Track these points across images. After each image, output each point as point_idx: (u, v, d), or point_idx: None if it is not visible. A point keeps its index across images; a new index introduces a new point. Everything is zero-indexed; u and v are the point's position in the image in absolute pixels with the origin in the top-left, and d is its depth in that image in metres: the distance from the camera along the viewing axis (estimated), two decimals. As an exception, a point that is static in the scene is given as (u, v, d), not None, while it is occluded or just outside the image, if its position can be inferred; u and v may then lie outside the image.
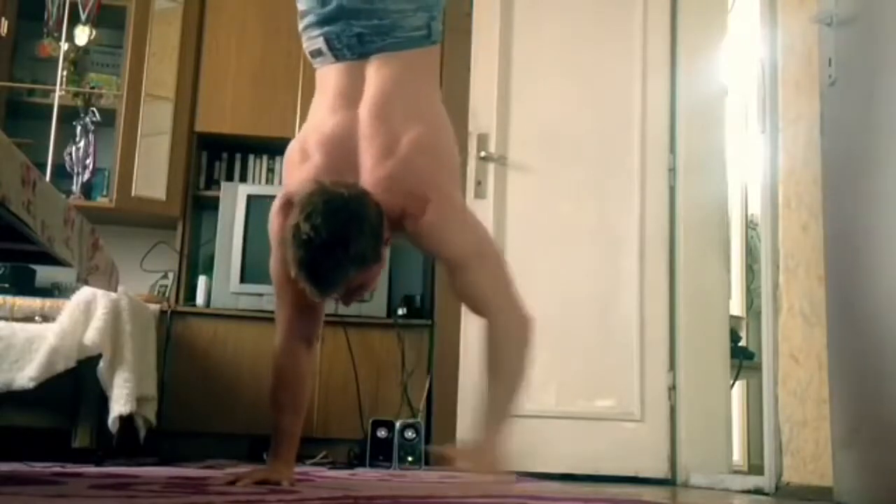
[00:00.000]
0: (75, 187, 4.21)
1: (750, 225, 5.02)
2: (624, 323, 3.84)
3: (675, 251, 3.87)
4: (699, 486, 3.50)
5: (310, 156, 2.27)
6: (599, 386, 3.79)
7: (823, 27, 2.71)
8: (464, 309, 3.51)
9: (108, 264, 2.32)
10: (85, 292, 3.26)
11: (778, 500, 2.82)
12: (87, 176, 4.24)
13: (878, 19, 2.56)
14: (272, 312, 2.50)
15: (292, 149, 2.37)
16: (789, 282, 2.99)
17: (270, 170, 4.49)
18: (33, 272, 3.96)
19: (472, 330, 3.79)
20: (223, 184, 4.31)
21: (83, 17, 4.23)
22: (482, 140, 3.97)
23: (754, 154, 3.98)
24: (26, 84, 4.45)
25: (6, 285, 3.73)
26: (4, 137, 1.58)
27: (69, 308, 3.26)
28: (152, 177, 4.27)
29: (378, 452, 3.73)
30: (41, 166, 3.90)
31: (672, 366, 3.79)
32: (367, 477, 3.00)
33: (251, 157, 4.50)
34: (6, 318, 3.35)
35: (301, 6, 2.39)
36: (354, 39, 2.28)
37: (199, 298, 4.19)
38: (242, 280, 4.13)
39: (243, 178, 4.45)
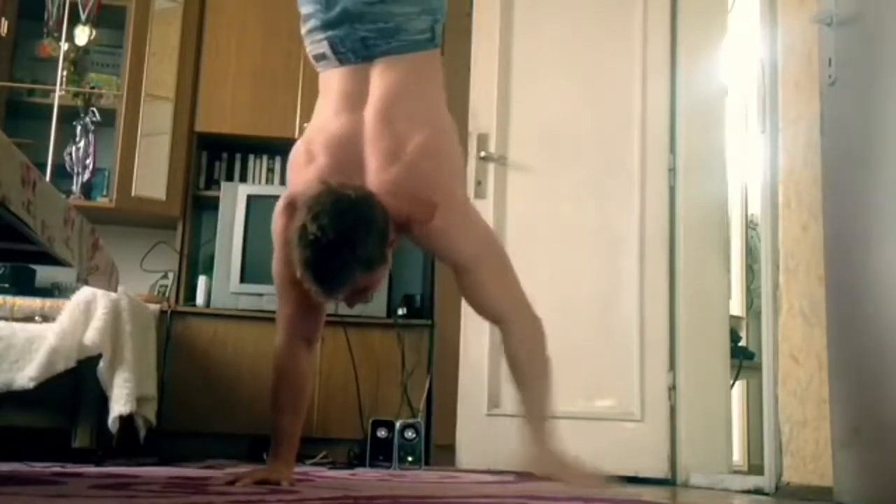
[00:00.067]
0: (75, 187, 4.21)
1: (750, 225, 5.02)
2: (624, 323, 3.83)
3: (675, 251, 3.87)
4: (699, 486, 3.50)
5: (315, 157, 2.27)
6: (599, 386, 3.78)
7: (823, 27, 2.71)
8: (464, 309, 3.53)
9: (108, 264, 2.32)
10: (85, 292, 3.26)
11: (778, 500, 2.82)
12: (87, 176, 4.24)
13: (878, 19, 2.56)
14: (272, 312, 2.50)
15: (297, 150, 2.36)
16: (789, 282, 2.99)
17: (270, 170, 4.49)
18: (33, 272, 3.96)
19: (472, 330, 3.80)
20: (223, 184, 4.32)
21: (83, 17, 4.24)
22: (482, 140, 3.97)
23: (754, 154, 3.97)
24: (26, 84, 4.45)
25: (6, 285, 3.73)
26: (4, 137, 1.58)
27: (69, 308, 3.26)
28: (152, 177, 4.27)
29: (378, 452, 3.73)
30: (41, 166, 3.90)
31: (672, 366, 3.79)
32: (367, 477, 3.00)
33: (251, 157, 4.50)
34: (6, 318, 3.36)
35: (304, 10, 2.37)
36: (359, 43, 2.28)
37: (199, 298, 4.19)
38: (242, 280, 4.13)
39: (243, 178, 4.45)
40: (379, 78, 2.28)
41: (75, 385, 3.24)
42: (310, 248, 2.04)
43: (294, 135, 4.26)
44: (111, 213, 4.23)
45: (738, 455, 4.57)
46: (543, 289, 3.56)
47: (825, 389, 2.65)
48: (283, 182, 4.44)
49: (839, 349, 2.58)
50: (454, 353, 3.85)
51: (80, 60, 4.36)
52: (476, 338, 3.73)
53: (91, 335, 3.18)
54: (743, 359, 4.23)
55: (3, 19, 4.22)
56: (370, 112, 2.25)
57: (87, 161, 4.23)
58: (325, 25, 2.30)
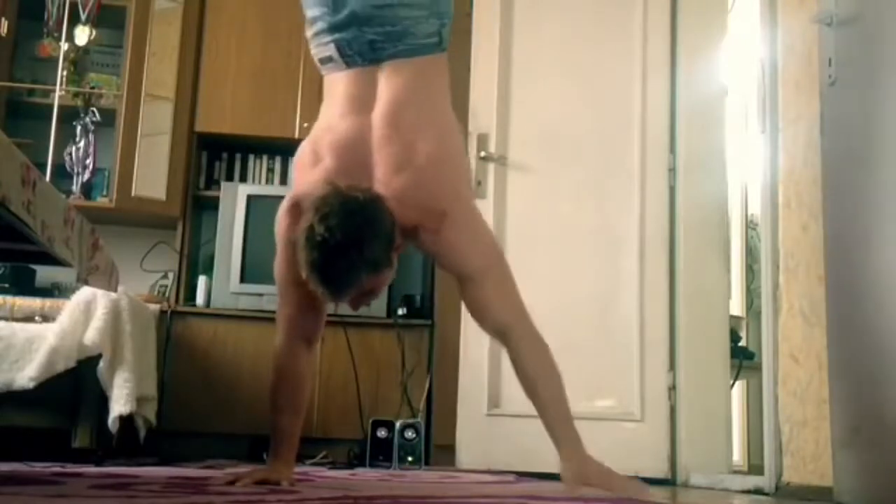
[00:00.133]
0: (75, 187, 4.21)
1: (750, 225, 5.02)
2: (624, 323, 3.84)
3: (675, 251, 3.87)
4: (699, 486, 3.50)
5: (322, 158, 2.27)
6: (599, 386, 3.78)
7: (823, 27, 2.71)
8: (464, 309, 3.52)
9: (108, 264, 2.32)
10: (85, 292, 3.26)
11: (778, 500, 2.82)
12: (87, 176, 4.24)
13: (878, 19, 2.56)
14: (272, 312, 2.50)
15: (303, 150, 2.35)
16: (789, 282, 2.99)
17: (270, 170, 4.49)
18: (33, 272, 3.96)
19: (471, 330, 3.78)
20: (223, 184, 4.32)
21: (83, 17, 4.24)
22: (482, 140, 3.97)
23: (754, 154, 3.98)
24: (26, 84, 4.45)
25: (6, 285, 3.73)
26: (4, 137, 1.58)
27: (69, 308, 3.26)
28: (152, 177, 4.27)
29: (378, 452, 3.73)
30: (41, 166, 3.90)
31: (672, 366, 3.79)
32: (367, 477, 3.00)
33: (251, 157, 4.50)
34: (6, 318, 3.36)
35: (310, 13, 2.34)
36: (366, 46, 2.27)
37: (199, 298, 4.19)
38: (242, 280, 4.13)
39: (243, 178, 4.45)
40: (386, 81, 2.26)
41: (75, 385, 3.24)
42: (317, 250, 2.03)
43: (294, 135, 4.26)
44: (111, 213, 4.23)
45: (738, 455, 4.57)
46: (543, 289, 3.59)
47: (825, 389, 2.65)
48: (283, 182, 4.44)
49: (839, 349, 2.58)
50: (454, 353, 3.85)
51: (80, 60, 4.36)
52: (476, 338, 3.72)
53: (91, 335, 3.18)
54: (743, 359, 4.23)
55: (3, 19, 4.22)
56: (378, 116, 2.24)
57: (87, 161, 4.23)
58: (333, 28, 2.28)
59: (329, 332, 3.87)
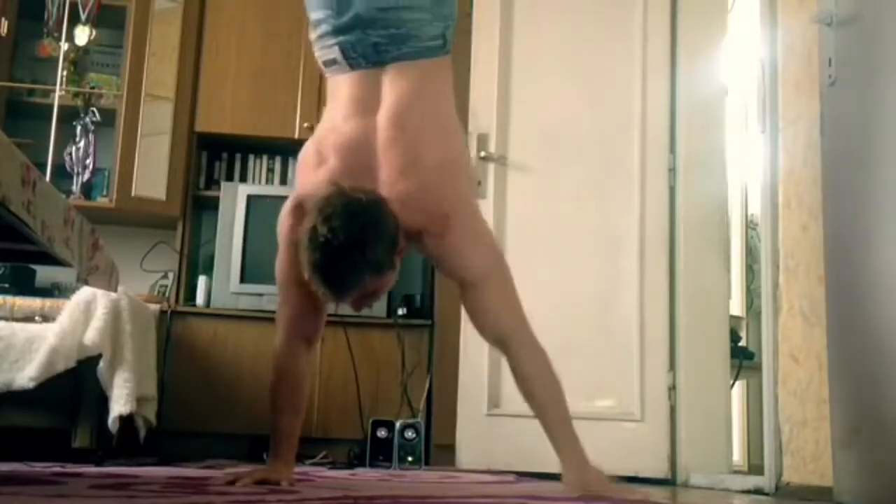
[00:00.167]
0: (75, 187, 4.21)
1: (750, 225, 5.02)
2: (624, 323, 3.84)
3: (675, 251, 3.87)
4: (699, 486, 3.50)
5: (326, 159, 2.26)
6: (599, 386, 3.78)
7: (823, 27, 2.71)
8: (464, 309, 3.52)
9: (108, 264, 2.32)
10: (85, 292, 3.26)
11: (778, 500, 2.82)
12: (87, 176, 4.24)
13: (878, 19, 2.56)
14: (272, 312, 2.50)
15: (307, 150, 2.35)
16: (789, 282, 2.99)
17: (270, 170, 4.49)
18: (33, 272, 3.96)
19: (472, 330, 3.76)
20: (223, 184, 4.32)
21: (83, 17, 4.24)
22: (482, 140, 3.97)
23: (754, 154, 3.98)
24: (26, 84, 4.45)
25: (6, 285, 3.73)
26: (4, 137, 1.58)
27: (69, 308, 3.26)
28: (152, 177, 4.27)
29: (378, 452, 3.73)
30: (41, 166, 3.90)
31: (672, 366, 3.79)
32: (367, 477, 3.00)
33: (251, 157, 4.50)
34: (6, 318, 3.36)
35: (315, 16, 2.34)
36: (370, 49, 2.26)
37: (199, 298, 4.19)
38: (242, 280, 4.13)
39: (243, 178, 4.45)
40: (390, 84, 2.26)
41: (75, 385, 3.24)
42: (320, 251, 2.03)
43: (294, 135, 4.26)
44: (111, 213, 4.23)
45: (738, 455, 4.57)
46: (543, 289, 3.59)
47: (825, 389, 2.65)
48: (283, 182, 4.44)
49: (839, 349, 2.58)
50: (454, 353, 3.85)
51: (80, 60, 4.36)
52: (476, 338, 3.68)
53: (91, 335, 3.18)
54: (743, 359, 4.23)
55: (3, 19, 4.21)
56: (382, 118, 2.24)
57: (87, 161, 4.23)
58: (337, 31, 2.28)
59: (329, 332, 3.87)
